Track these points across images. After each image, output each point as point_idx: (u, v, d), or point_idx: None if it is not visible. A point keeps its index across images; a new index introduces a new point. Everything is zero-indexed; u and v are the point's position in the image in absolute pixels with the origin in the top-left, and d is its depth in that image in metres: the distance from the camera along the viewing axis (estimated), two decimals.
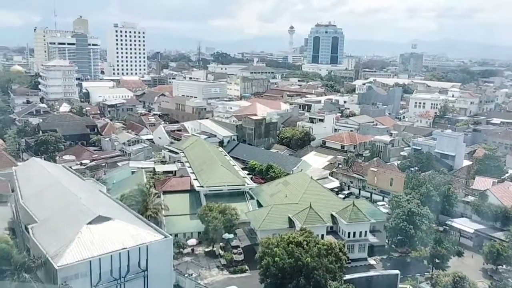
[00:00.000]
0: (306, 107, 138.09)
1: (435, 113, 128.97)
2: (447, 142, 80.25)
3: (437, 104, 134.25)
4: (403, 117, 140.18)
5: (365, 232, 52.34)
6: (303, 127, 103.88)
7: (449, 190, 61.15)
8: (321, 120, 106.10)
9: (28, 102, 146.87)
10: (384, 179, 71.67)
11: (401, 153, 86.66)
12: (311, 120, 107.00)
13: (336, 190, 72.31)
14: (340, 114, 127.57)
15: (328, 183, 73.45)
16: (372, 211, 56.30)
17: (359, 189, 75.07)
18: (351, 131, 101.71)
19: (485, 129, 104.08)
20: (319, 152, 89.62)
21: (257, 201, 62.15)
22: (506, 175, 70.98)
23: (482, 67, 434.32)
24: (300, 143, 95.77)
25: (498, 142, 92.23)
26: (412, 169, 73.06)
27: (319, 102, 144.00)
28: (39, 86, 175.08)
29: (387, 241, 55.33)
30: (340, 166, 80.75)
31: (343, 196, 70.37)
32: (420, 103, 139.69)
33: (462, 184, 67.67)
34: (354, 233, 51.89)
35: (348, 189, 76.16)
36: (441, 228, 59.70)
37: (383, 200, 69.43)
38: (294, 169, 76.82)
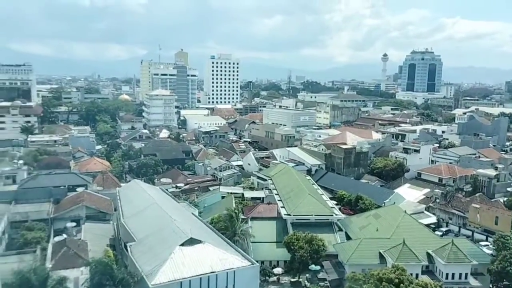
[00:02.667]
0: (400, 136, 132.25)
1: None
2: None
3: None
4: (510, 149, 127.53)
5: (466, 274, 47.69)
6: (396, 157, 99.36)
7: None
8: (417, 151, 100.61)
9: (132, 128, 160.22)
10: (488, 217, 65.31)
11: (508, 188, 78.61)
12: (405, 151, 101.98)
13: (432, 226, 67.42)
14: (437, 145, 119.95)
15: (424, 218, 68.73)
16: (473, 251, 51.33)
17: (459, 227, 69.12)
18: (450, 163, 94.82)
19: None
20: (414, 185, 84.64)
21: (346, 233, 60.12)
22: None
23: None
24: (393, 175, 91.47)
25: None
26: None
27: (414, 131, 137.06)
28: (143, 114, 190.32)
29: (491, 286, 49.85)
30: (437, 200, 75.33)
31: (440, 233, 65.29)
32: None
33: None
34: (453, 274, 47.53)
35: (446, 226, 70.50)
36: None
37: (486, 240, 63.03)
38: (386, 201, 73.32)
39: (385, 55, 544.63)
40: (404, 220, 56.84)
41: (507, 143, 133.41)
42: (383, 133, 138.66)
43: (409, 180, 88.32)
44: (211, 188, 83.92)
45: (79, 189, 68.18)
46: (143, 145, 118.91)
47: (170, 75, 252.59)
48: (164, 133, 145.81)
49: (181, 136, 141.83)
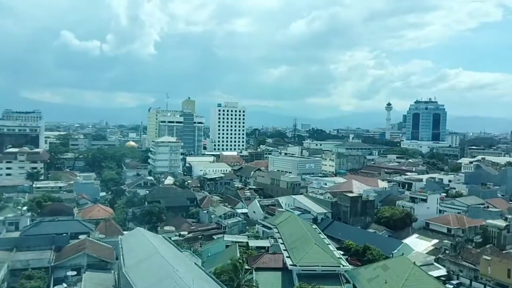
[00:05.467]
0: (406, 185, 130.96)
1: None
2: None
3: None
4: None
5: None
6: (403, 206, 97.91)
7: None
8: (424, 200, 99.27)
9: (138, 174, 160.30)
10: (500, 269, 63.08)
11: None
12: (412, 200, 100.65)
13: (443, 279, 65.09)
14: (444, 194, 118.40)
15: (434, 270, 66.55)
16: None
17: (470, 280, 66.65)
18: (458, 213, 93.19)
19: None
20: (422, 235, 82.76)
21: (353, 285, 58.16)
22: None
23: None
24: (400, 224, 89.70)
25: None
26: None
27: (421, 180, 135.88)
28: (149, 160, 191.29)
29: None
30: (446, 252, 73.24)
31: (451, 286, 63.07)
32: None
33: None
34: None
35: (457, 278, 68.05)
36: None
37: None
38: (394, 252, 71.42)
39: (389, 104, 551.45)
40: (413, 272, 55.09)
41: None
42: (389, 181, 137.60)
43: (417, 230, 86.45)
44: (215, 237, 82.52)
45: (82, 237, 67.24)
46: (147, 192, 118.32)
47: (177, 122, 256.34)
48: (169, 180, 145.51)
49: (186, 183, 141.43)
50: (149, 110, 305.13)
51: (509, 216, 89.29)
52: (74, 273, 56.11)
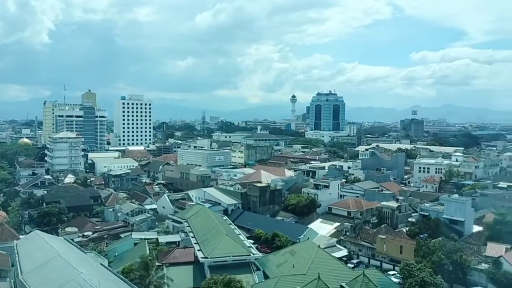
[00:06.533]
0: (311, 173, 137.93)
1: (440, 177, 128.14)
2: (455, 207, 78.88)
3: (441, 169, 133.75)
4: (408, 182, 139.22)
5: None
6: (308, 193, 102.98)
7: (462, 257, 59.07)
8: (326, 187, 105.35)
9: (33, 174, 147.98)
10: (394, 246, 69.60)
11: (409, 219, 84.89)
12: (316, 187, 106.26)
13: (344, 259, 70.01)
14: (344, 180, 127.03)
15: (336, 251, 71.29)
16: (383, 281, 53.90)
17: (369, 258, 72.65)
18: (356, 197, 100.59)
19: (493, 194, 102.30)
20: (326, 219, 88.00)
21: (264, 272, 60.00)
22: None
23: (483, 131, 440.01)
24: (306, 210, 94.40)
25: (507, 207, 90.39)
26: (421, 235, 71.15)
27: (324, 168, 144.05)
28: (46, 158, 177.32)
29: None
30: (347, 233, 78.89)
31: (352, 265, 67.96)
32: (424, 168, 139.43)
33: (474, 251, 65.39)
34: None
35: (357, 257, 73.75)
36: None
37: (393, 269, 66.87)
38: (300, 237, 75.02)
39: (293, 96, 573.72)
40: (318, 255, 58.38)
41: (405, 176, 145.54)
42: (295, 170, 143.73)
43: (321, 215, 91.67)
44: (122, 235, 79.36)
45: None
46: (45, 192, 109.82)
47: (77, 116, 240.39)
48: (70, 178, 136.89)
49: (89, 180, 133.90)
50: (44, 103, 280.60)
51: (400, 198, 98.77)
52: None
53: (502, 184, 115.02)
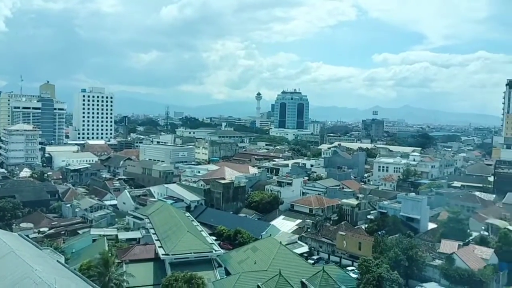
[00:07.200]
0: (274, 170, 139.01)
1: (398, 176, 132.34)
2: (412, 205, 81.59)
3: (399, 168, 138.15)
4: (368, 180, 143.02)
5: None
6: (271, 190, 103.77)
7: (417, 254, 61.26)
8: (289, 184, 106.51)
9: None
10: (353, 243, 71.33)
11: (368, 216, 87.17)
12: (279, 184, 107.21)
13: (305, 255, 71.07)
14: (307, 178, 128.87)
15: (297, 248, 72.27)
16: (342, 277, 55.21)
17: (329, 254, 74.11)
18: (318, 194, 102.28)
19: (447, 192, 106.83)
20: (288, 216, 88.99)
21: (225, 268, 60.00)
22: (470, 238, 72.10)
23: (440, 132, 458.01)
24: (269, 207, 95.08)
25: (460, 205, 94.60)
26: (379, 232, 73.24)
27: (287, 165, 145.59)
28: (0, 151, 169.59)
29: None
30: (308, 230, 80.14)
31: (312, 261, 69.05)
32: (383, 167, 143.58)
33: (428, 248, 68.00)
34: None
35: (318, 254, 75.05)
36: None
37: (352, 264, 68.58)
38: (262, 234, 75.47)
39: (259, 94, 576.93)
40: (279, 252, 58.93)
41: (365, 175, 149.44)
42: (259, 167, 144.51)
43: (283, 212, 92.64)
44: (80, 231, 77.13)
45: None
46: None
47: (34, 108, 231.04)
48: (26, 172, 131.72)
49: (46, 175, 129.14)
50: None
51: (360, 195, 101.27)
52: None
53: (456, 184, 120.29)
